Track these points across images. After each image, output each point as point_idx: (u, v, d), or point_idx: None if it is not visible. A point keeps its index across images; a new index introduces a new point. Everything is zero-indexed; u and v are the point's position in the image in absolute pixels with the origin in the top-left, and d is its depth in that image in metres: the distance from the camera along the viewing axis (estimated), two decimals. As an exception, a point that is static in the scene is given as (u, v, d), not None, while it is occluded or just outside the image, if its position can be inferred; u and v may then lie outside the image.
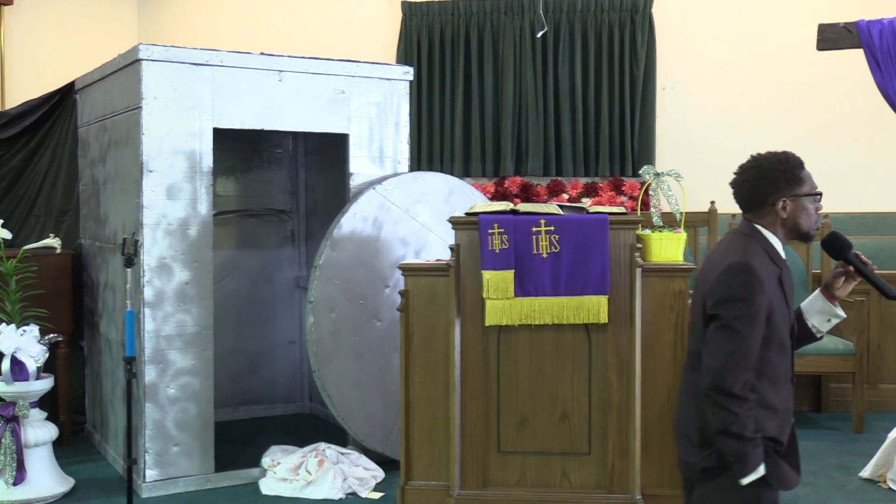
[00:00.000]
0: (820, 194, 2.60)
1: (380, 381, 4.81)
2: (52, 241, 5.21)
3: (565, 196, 7.63)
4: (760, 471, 2.45)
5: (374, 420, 4.80)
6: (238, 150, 5.97)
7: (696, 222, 6.05)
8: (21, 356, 4.41)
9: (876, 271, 2.66)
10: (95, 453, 5.22)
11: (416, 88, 7.74)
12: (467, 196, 5.06)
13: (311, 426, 5.75)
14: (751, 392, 2.45)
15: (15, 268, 4.63)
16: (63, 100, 5.69)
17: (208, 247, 4.63)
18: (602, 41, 7.84)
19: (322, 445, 4.75)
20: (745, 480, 2.46)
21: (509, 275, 3.94)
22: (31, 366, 4.43)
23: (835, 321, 2.66)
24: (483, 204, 4.24)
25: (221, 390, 5.14)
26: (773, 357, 2.52)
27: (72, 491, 4.54)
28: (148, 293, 4.47)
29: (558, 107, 7.86)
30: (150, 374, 4.47)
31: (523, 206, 4.09)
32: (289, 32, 8.06)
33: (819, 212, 2.62)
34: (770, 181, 2.57)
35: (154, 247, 4.48)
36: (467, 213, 4.10)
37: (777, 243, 2.58)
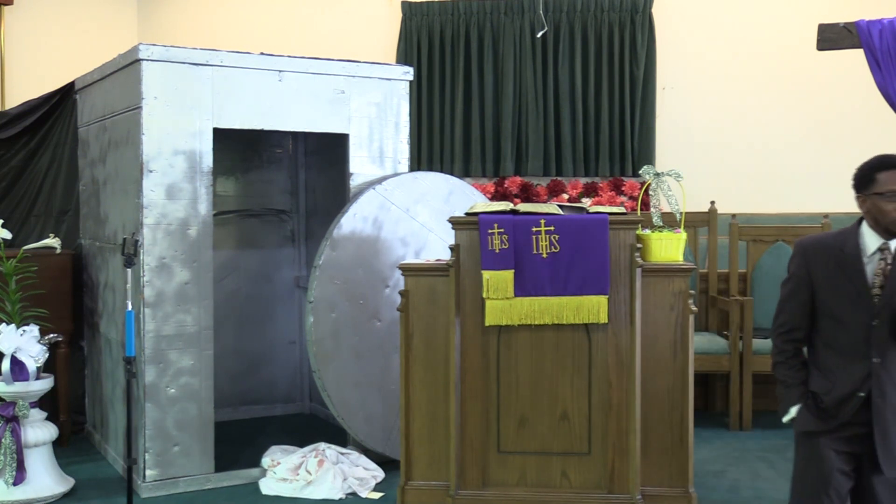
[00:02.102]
0: (890, 193, 2.76)
1: (380, 381, 4.82)
2: (52, 241, 5.21)
3: (565, 196, 7.63)
4: (792, 412, 2.92)
5: (374, 420, 4.80)
6: (238, 150, 5.97)
7: (696, 222, 6.05)
8: (21, 356, 4.41)
9: None
10: (95, 453, 5.22)
11: (416, 88, 7.74)
12: (467, 196, 5.06)
13: (311, 426, 5.75)
14: (786, 342, 2.97)
15: (15, 268, 4.63)
16: (63, 100, 5.69)
17: (208, 247, 4.63)
18: (602, 41, 7.84)
19: (322, 445, 4.75)
20: (783, 419, 2.96)
21: (509, 275, 3.94)
22: (31, 366, 4.43)
23: None
24: (483, 204, 4.24)
25: (221, 390, 5.14)
26: (827, 326, 2.88)
27: (72, 491, 4.53)
28: (148, 293, 4.47)
29: (558, 107, 7.86)
30: (150, 374, 4.47)
31: (523, 206, 4.09)
32: (289, 32, 8.06)
33: None
34: (854, 179, 2.90)
35: (154, 247, 4.48)
36: (467, 213, 4.10)
37: (868, 234, 2.84)
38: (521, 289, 3.95)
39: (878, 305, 2.75)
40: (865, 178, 2.83)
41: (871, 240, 2.82)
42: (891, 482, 2.79)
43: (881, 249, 2.80)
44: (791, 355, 2.96)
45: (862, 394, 2.78)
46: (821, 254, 2.89)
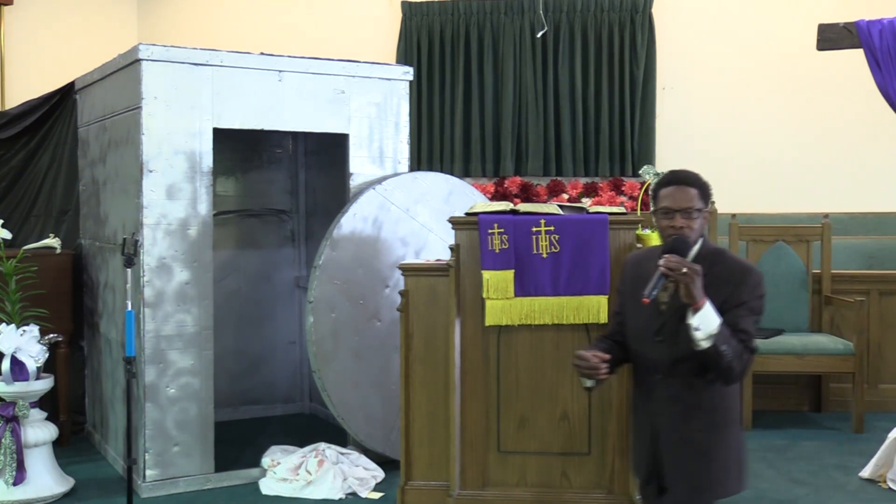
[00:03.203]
0: (662, 210, 2.75)
1: (380, 381, 4.81)
2: (52, 241, 5.20)
3: (565, 196, 7.63)
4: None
5: (374, 420, 4.80)
6: (238, 150, 5.97)
7: (696, 222, 6.04)
8: (21, 356, 4.41)
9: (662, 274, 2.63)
10: (95, 453, 5.22)
11: (416, 88, 7.74)
12: (467, 196, 5.06)
13: (311, 426, 5.75)
14: (599, 340, 2.99)
15: (15, 268, 4.63)
16: (63, 100, 5.69)
17: (208, 247, 4.63)
18: (602, 41, 7.84)
19: (322, 445, 4.75)
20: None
21: (509, 275, 3.94)
22: (31, 366, 4.43)
23: (693, 332, 2.59)
24: (483, 204, 4.24)
25: (221, 390, 5.14)
26: (633, 344, 2.86)
27: (72, 491, 4.53)
28: (148, 293, 4.47)
29: (558, 107, 7.86)
30: (150, 374, 4.47)
31: (523, 206, 4.09)
32: (289, 32, 8.06)
33: (672, 227, 2.72)
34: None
35: (154, 247, 4.48)
36: (467, 213, 4.10)
37: None
38: (522, 289, 3.95)
39: (662, 322, 2.72)
40: (653, 195, 2.83)
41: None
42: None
43: None
44: (603, 336, 3.01)
45: (650, 413, 2.76)
46: (633, 269, 2.88)
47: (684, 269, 2.56)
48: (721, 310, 2.60)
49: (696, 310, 2.55)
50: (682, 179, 2.76)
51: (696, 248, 2.72)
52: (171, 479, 4.53)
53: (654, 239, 4.13)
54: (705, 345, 2.56)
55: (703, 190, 2.76)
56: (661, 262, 2.60)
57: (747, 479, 2.80)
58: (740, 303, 2.64)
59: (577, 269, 3.92)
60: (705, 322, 2.55)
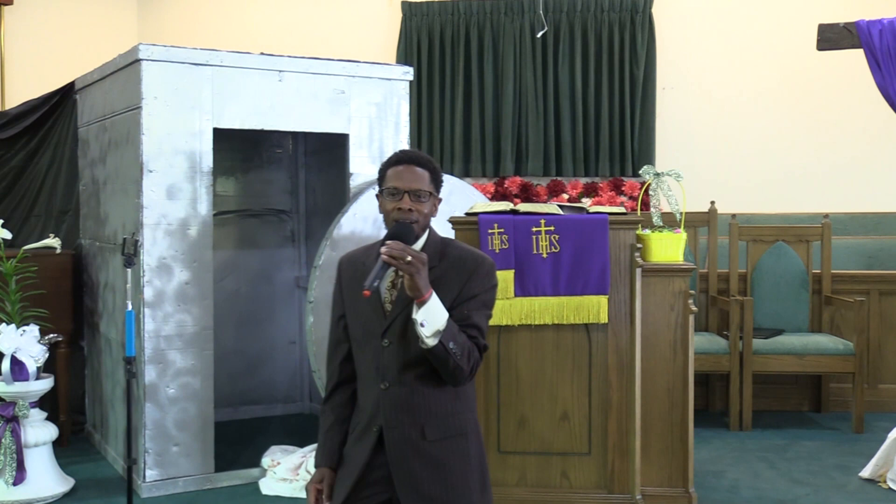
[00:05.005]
0: (392, 189, 2.44)
1: (380, 381, 4.81)
2: (52, 241, 5.20)
3: (565, 196, 7.63)
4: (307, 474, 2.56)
5: (374, 420, 4.80)
6: (238, 150, 5.97)
7: (696, 222, 6.05)
8: (21, 356, 4.41)
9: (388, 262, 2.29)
10: (95, 453, 5.22)
11: (416, 88, 7.74)
12: (467, 196, 5.06)
13: (312, 426, 5.74)
14: (331, 376, 2.57)
15: (15, 268, 4.63)
16: (63, 100, 5.69)
17: (208, 247, 4.63)
18: (602, 41, 7.84)
19: (322, 445, 4.75)
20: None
21: (509, 275, 3.94)
22: (31, 366, 4.43)
23: (418, 329, 2.29)
24: (483, 204, 4.24)
25: (221, 390, 5.13)
26: (355, 352, 2.52)
27: (72, 491, 4.53)
28: (148, 293, 4.46)
29: (558, 107, 7.86)
30: (150, 374, 4.47)
31: (523, 206, 4.09)
32: (289, 32, 8.06)
33: (399, 208, 2.41)
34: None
35: (154, 247, 4.48)
36: (467, 213, 4.10)
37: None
38: (522, 289, 3.95)
39: (387, 324, 2.41)
40: (380, 175, 2.52)
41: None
42: None
43: None
44: (328, 396, 2.58)
45: (375, 427, 2.43)
46: (350, 269, 2.54)
47: (408, 258, 2.24)
48: (453, 303, 2.36)
49: (422, 303, 2.26)
50: (413, 159, 2.47)
51: (423, 238, 2.46)
52: (171, 479, 4.53)
53: (654, 239, 4.13)
54: (431, 342, 2.27)
55: (436, 175, 2.48)
56: (384, 249, 2.27)
57: (490, 491, 2.52)
58: (472, 295, 2.37)
59: (577, 269, 3.92)
60: (431, 317, 2.26)
